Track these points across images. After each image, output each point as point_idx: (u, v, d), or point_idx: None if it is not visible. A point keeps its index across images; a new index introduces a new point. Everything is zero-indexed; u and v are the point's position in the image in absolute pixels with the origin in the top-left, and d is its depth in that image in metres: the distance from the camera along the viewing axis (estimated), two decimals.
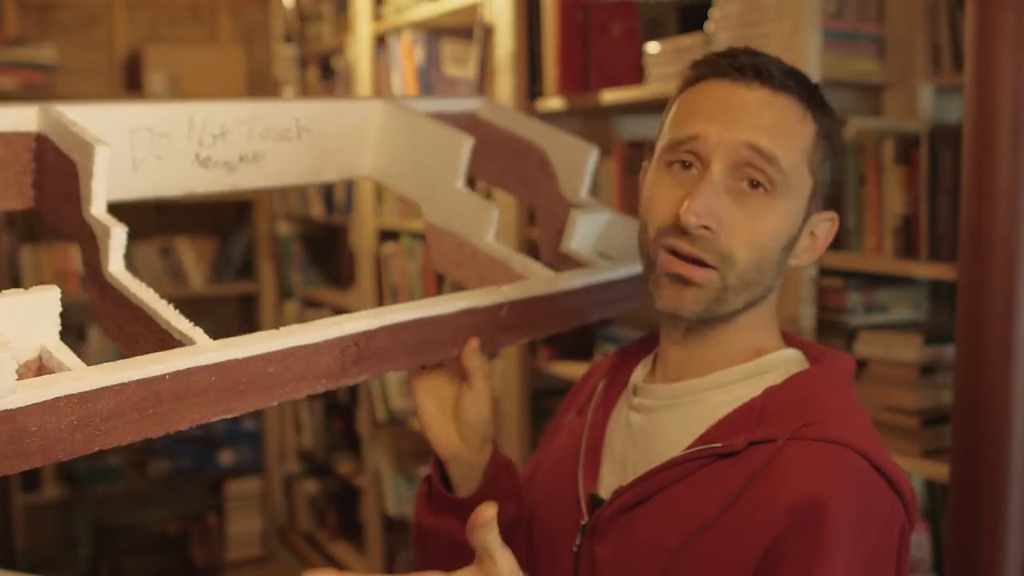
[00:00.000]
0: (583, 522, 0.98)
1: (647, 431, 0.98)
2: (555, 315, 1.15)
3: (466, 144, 1.20)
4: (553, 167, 1.31)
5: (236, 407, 0.88)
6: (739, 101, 0.91)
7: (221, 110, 1.11)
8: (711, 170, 0.90)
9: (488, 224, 1.17)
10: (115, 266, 0.92)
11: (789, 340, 1.02)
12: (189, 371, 0.83)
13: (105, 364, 0.80)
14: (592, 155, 1.29)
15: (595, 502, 0.98)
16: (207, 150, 1.11)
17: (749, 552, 0.85)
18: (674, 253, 0.92)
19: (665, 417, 0.97)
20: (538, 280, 1.13)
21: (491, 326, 1.08)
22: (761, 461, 0.87)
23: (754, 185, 0.90)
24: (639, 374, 1.05)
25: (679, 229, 0.90)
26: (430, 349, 1.03)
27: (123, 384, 0.80)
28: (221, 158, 1.12)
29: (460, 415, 1.06)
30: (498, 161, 1.37)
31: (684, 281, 0.91)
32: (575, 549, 0.98)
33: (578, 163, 1.29)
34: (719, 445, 0.89)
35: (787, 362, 0.97)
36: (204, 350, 0.85)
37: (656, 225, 0.93)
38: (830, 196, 1.00)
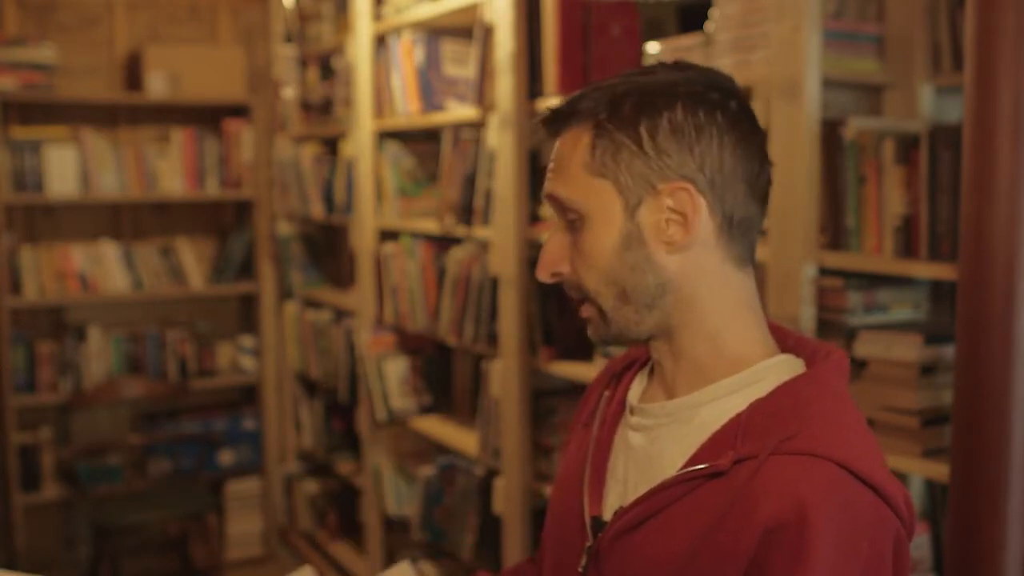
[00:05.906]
0: (588, 544, 0.98)
1: (647, 450, 0.98)
2: None
3: None
4: None
5: None
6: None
7: None
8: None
9: None
10: None
11: (782, 339, 1.01)
12: None
13: None
14: None
15: (598, 524, 0.98)
16: None
17: (735, 573, 0.84)
18: None
19: (663, 435, 0.97)
20: None
21: None
22: (743, 479, 0.86)
23: (570, 221, 0.97)
24: (635, 391, 1.04)
25: None
26: None
27: None
28: None
29: None
30: None
31: (584, 320, 1.01)
32: (581, 570, 0.98)
33: None
34: (706, 466, 0.89)
35: (778, 370, 0.96)
36: None
37: None
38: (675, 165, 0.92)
